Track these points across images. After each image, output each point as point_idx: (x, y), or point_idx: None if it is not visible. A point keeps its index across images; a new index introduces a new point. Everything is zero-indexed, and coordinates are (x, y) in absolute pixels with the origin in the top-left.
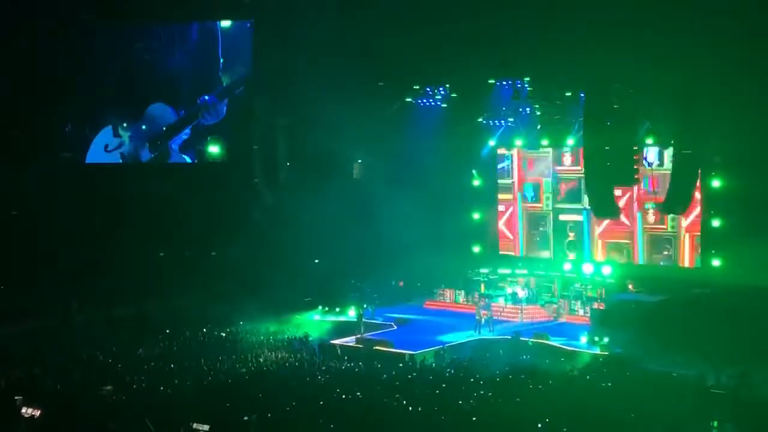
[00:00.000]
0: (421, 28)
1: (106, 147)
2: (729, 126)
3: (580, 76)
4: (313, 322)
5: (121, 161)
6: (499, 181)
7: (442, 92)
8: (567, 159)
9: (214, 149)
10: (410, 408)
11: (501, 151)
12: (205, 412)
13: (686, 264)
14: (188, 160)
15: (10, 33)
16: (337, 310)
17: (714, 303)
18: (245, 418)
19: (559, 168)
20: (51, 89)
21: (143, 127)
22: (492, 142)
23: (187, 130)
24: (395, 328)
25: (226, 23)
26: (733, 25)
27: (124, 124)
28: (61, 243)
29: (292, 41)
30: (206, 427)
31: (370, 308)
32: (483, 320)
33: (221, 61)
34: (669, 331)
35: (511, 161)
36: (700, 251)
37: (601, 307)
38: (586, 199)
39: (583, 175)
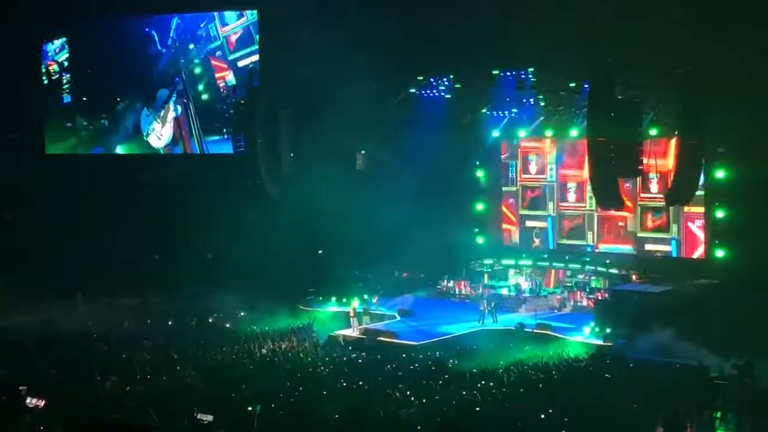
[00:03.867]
0: (424, 18)
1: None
2: (733, 116)
3: (584, 67)
4: (317, 313)
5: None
6: None
7: (446, 83)
8: (532, 167)
9: None
10: (413, 398)
11: None
12: (209, 403)
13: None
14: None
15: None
16: (344, 300)
17: (718, 294)
18: (249, 408)
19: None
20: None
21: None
22: (496, 133)
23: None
24: (399, 319)
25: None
26: (737, 14)
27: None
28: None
29: (297, 32)
30: (210, 418)
31: (371, 300)
32: (486, 311)
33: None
34: (672, 322)
35: None
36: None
37: (604, 298)
38: (551, 206)
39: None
